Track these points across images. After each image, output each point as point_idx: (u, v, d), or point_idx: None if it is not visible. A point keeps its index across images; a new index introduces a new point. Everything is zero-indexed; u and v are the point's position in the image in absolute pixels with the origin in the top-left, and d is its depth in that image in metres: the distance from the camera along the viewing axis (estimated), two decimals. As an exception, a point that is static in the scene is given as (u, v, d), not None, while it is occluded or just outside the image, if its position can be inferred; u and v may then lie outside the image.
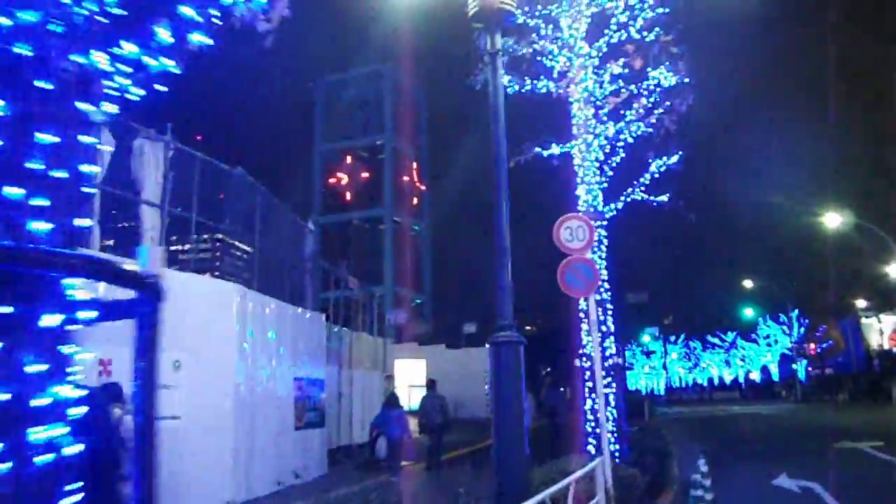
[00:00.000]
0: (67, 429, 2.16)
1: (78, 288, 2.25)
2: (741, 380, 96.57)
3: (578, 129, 12.98)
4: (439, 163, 75.01)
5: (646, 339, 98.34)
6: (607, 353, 12.60)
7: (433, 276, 75.06)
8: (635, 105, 13.28)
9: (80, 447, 2.21)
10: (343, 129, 74.98)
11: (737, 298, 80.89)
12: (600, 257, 12.71)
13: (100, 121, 2.39)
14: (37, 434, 2.08)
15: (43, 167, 2.19)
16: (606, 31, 12.94)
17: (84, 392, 2.30)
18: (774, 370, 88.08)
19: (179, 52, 2.58)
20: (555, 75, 13.29)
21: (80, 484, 2.23)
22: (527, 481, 7.41)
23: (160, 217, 12.42)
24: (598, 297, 11.97)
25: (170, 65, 2.58)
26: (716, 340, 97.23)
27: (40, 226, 2.16)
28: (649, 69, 12.99)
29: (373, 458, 18.95)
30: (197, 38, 2.62)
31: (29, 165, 2.18)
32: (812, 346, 74.10)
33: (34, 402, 2.10)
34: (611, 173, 13.39)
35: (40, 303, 2.15)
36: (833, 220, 44.80)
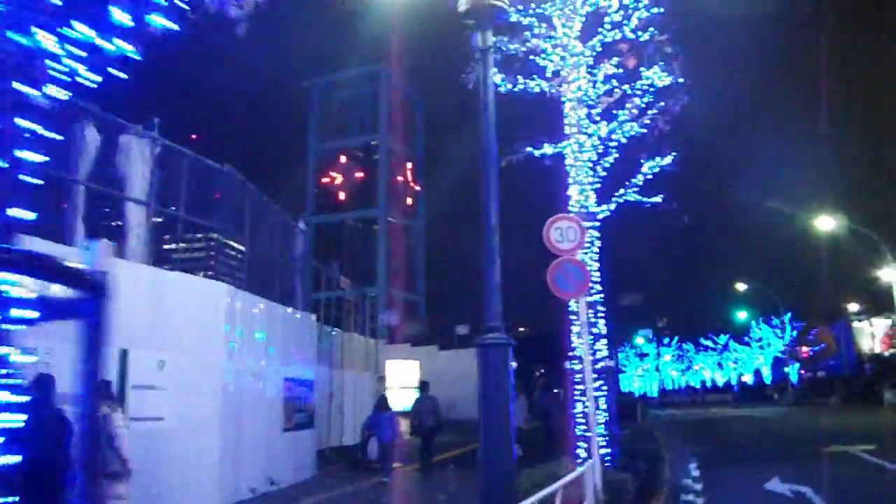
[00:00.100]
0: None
1: (16, 285, 2.08)
2: (734, 382, 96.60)
3: (571, 128, 12.85)
4: (434, 163, 74.93)
5: (639, 341, 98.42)
6: (599, 356, 12.48)
7: (427, 277, 74.93)
8: (628, 105, 13.17)
9: (16, 458, 2.06)
10: (338, 129, 74.81)
11: (730, 301, 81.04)
12: (592, 259, 12.59)
13: (44, 105, 2.23)
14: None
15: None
16: (600, 31, 12.83)
17: (24, 398, 2.14)
18: (767, 373, 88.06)
19: (140, 36, 2.42)
20: (548, 75, 13.17)
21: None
22: (514, 486, 7.28)
23: (146, 214, 12.25)
24: (589, 299, 11.85)
25: (129, 49, 2.42)
26: (709, 343, 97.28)
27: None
28: (643, 69, 12.88)
29: (364, 459, 18.85)
30: (160, 22, 2.46)
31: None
32: (804, 349, 74.14)
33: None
34: (604, 174, 13.28)
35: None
36: (826, 223, 44.80)
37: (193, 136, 37.24)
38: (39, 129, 2.17)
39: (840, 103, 55.51)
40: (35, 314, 2.10)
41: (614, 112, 13.27)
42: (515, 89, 13.00)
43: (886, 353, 59.90)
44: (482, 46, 8.42)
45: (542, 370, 54.33)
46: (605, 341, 12.95)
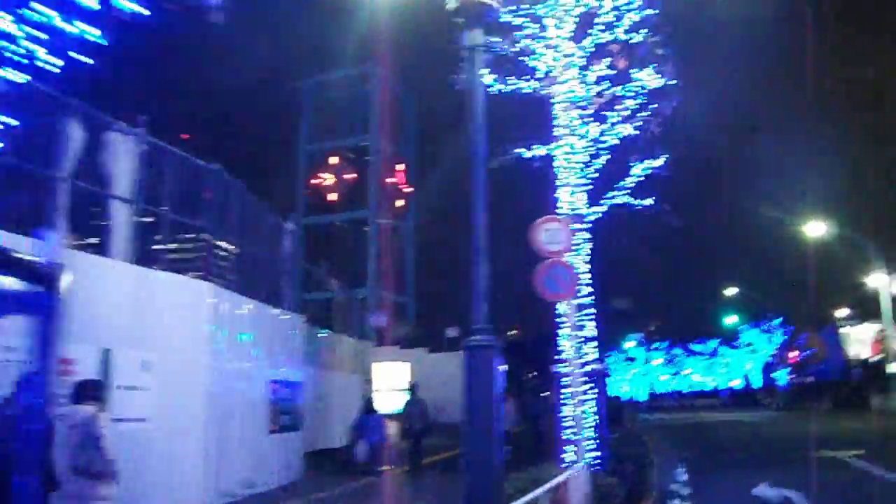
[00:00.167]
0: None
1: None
2: (723, 387, 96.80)
3: (561, 130, 12.78)
4: (426, 165, 74.75)
5: (629, 345, 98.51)
6: (588, 359, 12.39)
7: (417, 280, 74.70)
8: (618, 107, 13.10)
9: None
10: (329, 130, 74.49)
11: (719, 306, 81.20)
12: (583, 261, 12.51)
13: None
14: None
15: None
16: (591, 31, 12.77)
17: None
18: (756, 378, 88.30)
19: (106, 21, 2.31)
20: (539, 76, 13.10)
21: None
22: (500, 491, 7.18)
23: (131, 212, 12.11)
24: (578, 302, 11.78)
25: (94, 34, 2.31)
26: (698, 347, 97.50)
27: None
28: (634, 71, 12.82)
29: (352, 461, 18.74)
30: (128, 6, 2.35)
31: None
32: (793, 354, 74.29)
33: None
34: (595, 175, 13.21)
35: None
36: (815, 228, 44.93)
37: (184, 136, 37.02)
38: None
39: (833, 108, 55.70)
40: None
41: (605, 114, 13.20)
42: (506, 90, 12.92)
43: (874, 359, 60.01)
44: (471, 45, 8.35)
45: (533, 373, 54.24)
46: (594, 344, 12.86)
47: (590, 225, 13.07)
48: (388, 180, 73.99)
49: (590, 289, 12.76)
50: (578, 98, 12.97)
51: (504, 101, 13.10)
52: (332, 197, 74.88)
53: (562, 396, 12.00)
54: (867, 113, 51.79)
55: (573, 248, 11.57)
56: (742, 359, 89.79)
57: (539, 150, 13.19)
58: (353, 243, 70.70)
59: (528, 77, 13.04)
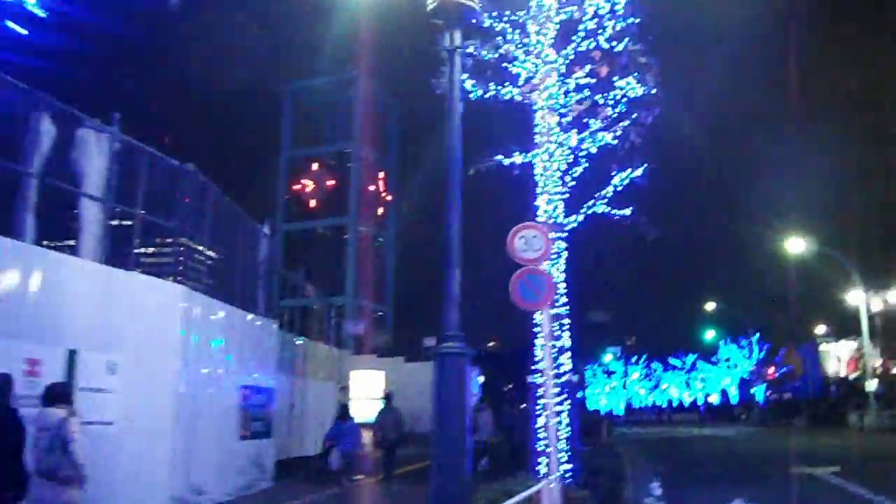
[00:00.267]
0: None
1: None
2: (700, 402, 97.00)
3: (541, 137, 12.66)
4: (407, 174, 74.64)
5: (607, 358, 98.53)
6: (562, 370, 12.24)
7: (396, 288, 74.45)
8: (598, 114, 12.99)
9: None
10: (311, 136, 74.24)
11: (698, 320, 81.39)
12: (559, 270, 12.37)
13: None
14: None
15: None
16: (574, 38, 12.67)
17: None
18: (734, 393, 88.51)
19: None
20: (520, 83, 12.98)
21: None
22: (467, 499, 7.00)
23: (102, 211, 11.86)
24: (554, 311, 11.63)
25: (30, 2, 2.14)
26: (677, 362, 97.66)
27: None
28: (616, 78, 12.72)
29: (325, 470, 18.50)
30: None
31: None
32: (771, 370, 74.56)
33: None
34: (573, 183, 13.08)
35: None
36: (796, 245, 45.13)
37: (165, 139, 36.71)
38: None
39: (817, 130, 56.11)
40: None
41: (585, 121, 13.10)
42: (486, 96, 12.79)
43: (852, 377, 60.32)
44: (450, 46, 8.22)
45: (511, 384, 54.13)
46: (568, 355, 12.70)
47: (566, 234, 12.94)
48: (370, 188, 73.85)
49: (565, 299, 12.62)
50: (558, 105, 12.85)
51: (484, 109, 12.98)
52: (313, 203, 74.61)
53: (536, 407, 11.84)
54: (853, 133, 52.25)
55: (551, 256, 11.42)
56: (720, 374, 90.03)
57: (518, 158, 13.06)
58: (333, 250, 70.42)
59: (508, 83, 12.91)
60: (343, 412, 18.05)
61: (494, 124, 13.64)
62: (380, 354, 39.79)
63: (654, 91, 12.70)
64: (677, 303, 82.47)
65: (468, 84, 12.55)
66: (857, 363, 58.68)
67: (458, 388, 7.01)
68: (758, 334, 71.42)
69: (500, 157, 13.05)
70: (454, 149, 7.89)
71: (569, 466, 11.98)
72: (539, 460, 11.35)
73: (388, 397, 19.35)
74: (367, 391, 29.42)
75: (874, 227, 50.19)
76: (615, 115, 13.00)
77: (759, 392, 70.89)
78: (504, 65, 12.91)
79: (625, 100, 12.86)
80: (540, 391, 11.30)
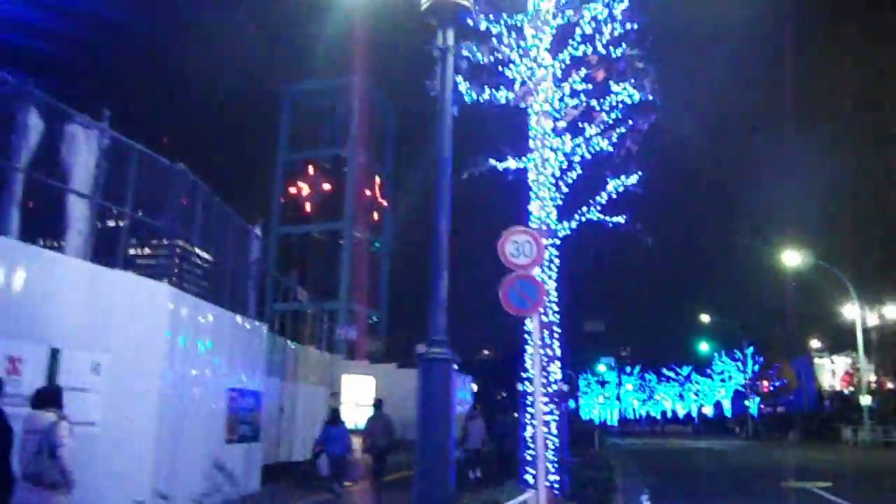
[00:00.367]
0: None
1: None
2: (694, 414, 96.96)
3: (536, 142, 12.51)
4: (403, 179, 74.63)
5: (601, 368, 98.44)
6: (552, 379, 12.06)
7: (390, 294, 74.29)
8: (594, 119, 12.84)
9: None
10: (307, 140, 74.17)
11: (693, 333, 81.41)
12: (550, 277, 12.20)
13: None
14: None
15: None
16: (571, 42, 12.53)
17: None
18: (727, 406, 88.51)
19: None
20: (516, 87, 12.83)
21: None
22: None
23: (90, 208, 11.69)
24: (545, 319, 11.46)
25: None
26: (671, 374, 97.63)
27: None
28: (612, 83, 12.57)
29: (314, 475, 18.31)
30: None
31: None
32: (765, 383, 74.49)
33: None
34: (566, 189, 12.92)
35: None
36: (792, 258, 45.07)
37: (162, 140, 36.57)
38: None
39: (813, 131, 56.10)
40: None
41: (580, 126, 12.95)
42: (481, 99, 12.64)
43: (846, 391, 60.27)
44: (443, 46, 8.09)
45: (504, 393, 53.98)
46: (558, 364, 12.53)
47: (558, 241, 12.77)
48: (366, 193, 73.78)
49: (556, 307, 12.45)
50: (553, 109, 12.71)
51: (479, 113, 12.84)
52: (308, 207, 74.48)
53: (526, 416, 11.67)
54: (852, 133, 52.21)
55: (543, 262, 11.26)
56: (714, 386, 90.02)
57: (512, 163, 12.90)
58: (328, 255, 70.25)
59: (502, 87, 12.76)
60: (333, 417, 17.87)
61: (489, 128, 13.49)
62: (373, 360, 39.63)
63: (650, 97, 12.57)
64: (672, 314, 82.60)
65: (463, 87, 12.41)
66: (852, 378, 58.65)
67: (443, 394, 6.84)
68: (752, 347, 71.39)
69: (493, 161, 12.89)
70: (445, 149, 7.75)
71: (556, 477, 11.80)
72: (527, 470, 11.17)
73: (378, 404, 19.15)
74: (357, 397, 29.21)
75: (871, 242, 50.20)
76: (610, 121, 12.85)
77: (753, 405, 70.80)
78: (500, 68, 12.77)
79: (621, 105, 12.71)
80: (528, 399, 11.13)
